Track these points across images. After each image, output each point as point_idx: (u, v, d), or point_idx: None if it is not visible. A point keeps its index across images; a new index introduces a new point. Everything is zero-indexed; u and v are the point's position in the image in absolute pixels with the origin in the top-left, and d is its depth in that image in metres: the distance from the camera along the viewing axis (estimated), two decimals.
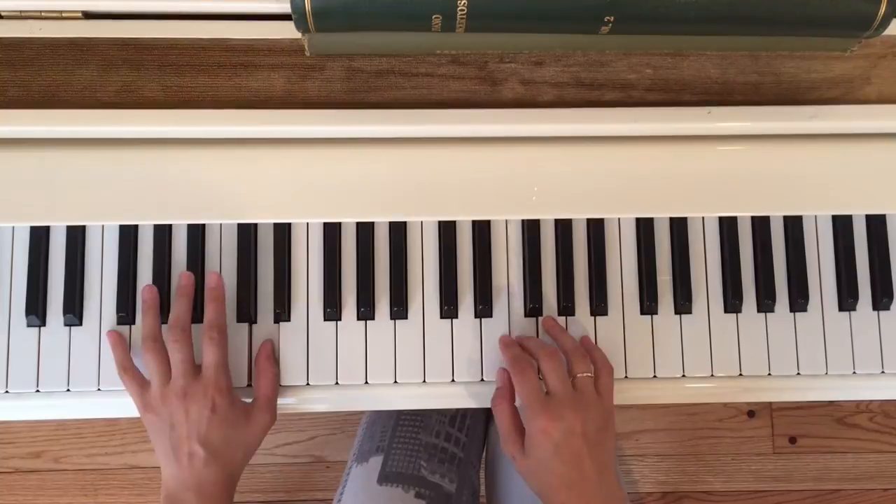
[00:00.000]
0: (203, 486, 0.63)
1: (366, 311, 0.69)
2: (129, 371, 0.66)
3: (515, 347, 0.68)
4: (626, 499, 0.65)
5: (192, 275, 0.68)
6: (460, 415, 0.89)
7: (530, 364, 0.65)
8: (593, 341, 0.70)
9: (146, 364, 0.65)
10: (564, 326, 0.70)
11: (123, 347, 0.67)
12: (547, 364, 0.65)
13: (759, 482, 1.43)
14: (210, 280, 0.68)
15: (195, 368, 0.65)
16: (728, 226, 0.71)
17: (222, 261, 0.70)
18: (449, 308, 0.69)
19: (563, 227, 0.71)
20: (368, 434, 0.86)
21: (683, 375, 0.70)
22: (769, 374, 0.70)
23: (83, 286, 0.69)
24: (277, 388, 0.67)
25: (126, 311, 0.68)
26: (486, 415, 0.95)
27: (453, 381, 0.69)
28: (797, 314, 0.71)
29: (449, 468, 0.83)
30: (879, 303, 0.71)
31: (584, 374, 0.65)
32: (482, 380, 0.69)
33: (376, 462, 0.82)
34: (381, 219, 0.69)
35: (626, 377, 0.70)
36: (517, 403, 0.67)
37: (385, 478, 0.80)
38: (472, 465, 0.87)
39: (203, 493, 0.63)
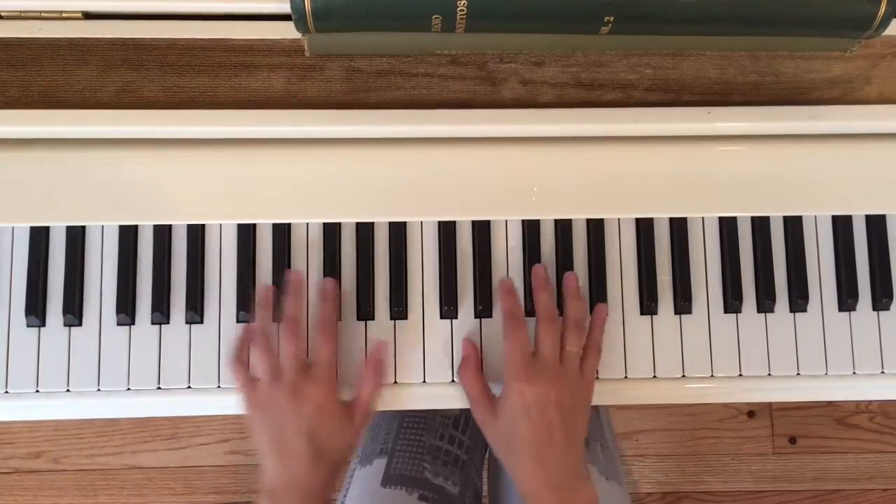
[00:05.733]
0: (305, 486, 0.62)
1: (365, 310, 0.69)
2: (240, 365, 0.65)
3: (515, 300, 0.67)
4: (589, 478, 0.65)
5: (301, 272, 0.67)
6: (464, 416, 0.89)
7: (524, 324, 0.66)
8: (605, 318, 0.69)
9: (256, 360, 0.65)
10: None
11: (243, 342, 0.67)
12: (545, 328, 0.65)
13: (759, 482, 1.43)
14: (326, 283, 0.68)
15: (306, 365, 0.64)
16: (728, 226, 0.71)
17: (222, 261, 0.70)
18: (449, 308, 0.69)
19: (563, 227, 0.71)
20: (372, 436, 0.86)
21: (683, 375, 0.70)
22: (769, 374, 0.70)
23: (83, 286, 0.69)
24: (378, 394, 0.66)
25: (126, 312, 0.68)
26: None
27: (453, 381, 0.69)
28: (797, 314, 0.71)
29: (452, 470, 0.83)
30: (879, 303, 0.71)
31: (573, 349, 0.65)
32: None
33: (380, 464, 0.82)
34: (381, 219, 0.69)
35: (626, 377, 0.70)
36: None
37: (389, 480, 0.80)
38: (475, 466, 0.88)
39: (303, 492, 0.62)
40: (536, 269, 0.69)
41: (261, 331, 0.65)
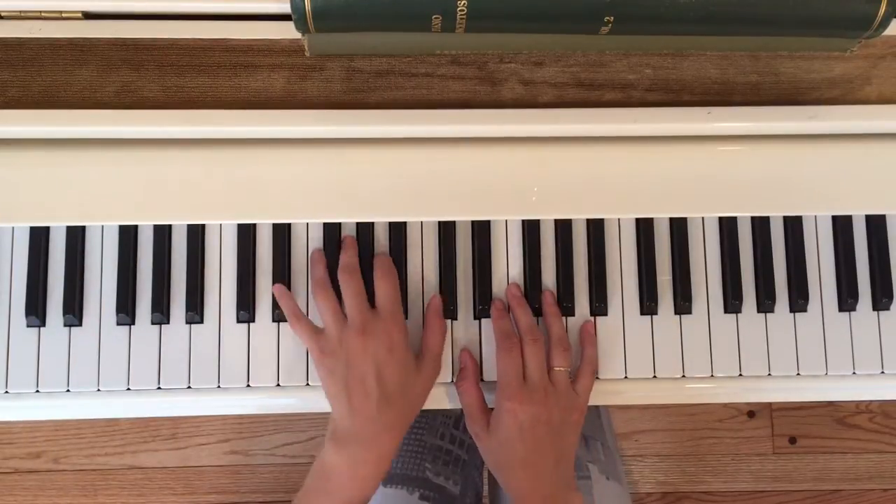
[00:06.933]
0: (371, 437, 0.62)
1: None
2: (301, 319, 0.66)
3: (507, 321, 0.68)
4: (577, 488, 0.66)
5: (352, 237, 0.69)
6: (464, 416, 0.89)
7: (518, 344, 0.67)
8: (592, 332, 0.69)
9: (319, 309, 0.66)
10: (565, 326, 0.70)
11: (291, 297, 0.67)
12: (530, 350, 0.66)
13: (758, 482, 1.43)
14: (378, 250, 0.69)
15: (369, 305, 0.65)
16: (728, 226, 0.71)
17: (222, 261, 0.70)
18: (449, 309, 0.69)
19: (563, 227, 0.71)
20: None
21: (683, 375, 0.70)
22: (769, 374, 0.70)
23: (83, 286, 0.69)
24: (444, 341, 0.68)
25: (126, 312, 0.68)
26: None
27: (453, 381, 0.69)
28: (797, 314, 0.71)
29: (453, 470, 0.83)
30: (879, 303, 0.71)
31: (560, 369, 0.66)
32: (482, 380, 0.69)
33: None
34: (382, 219, 0.69)
35: (625, 377, 0.70)
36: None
37: (390, 479, 0.80)
38: (476, 466, 0.88)
39: (368, 445, 0.62)
40: (511, 289, 0.69)
41: (320, 281, 0.66)
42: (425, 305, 0.69)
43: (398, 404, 0.63)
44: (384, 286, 0.66)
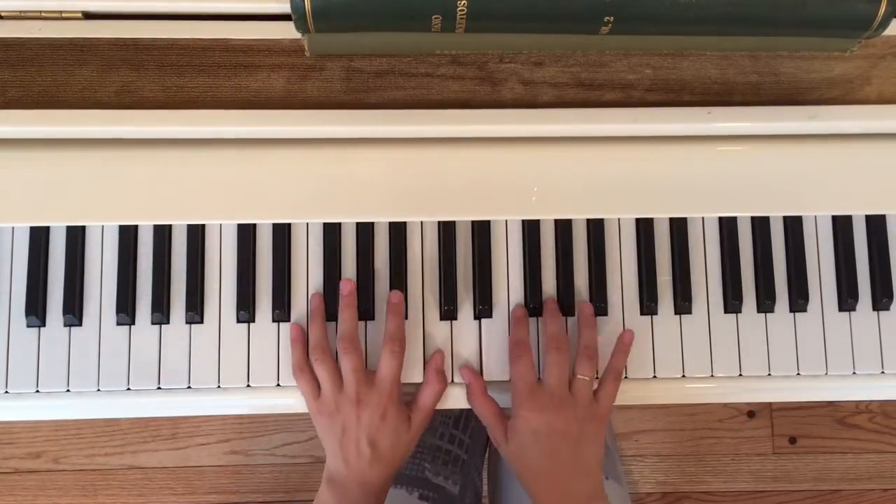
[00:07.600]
0: (365, 481, 0.65)
1: (365, 310, 0.69)
2: (305, 373, 0.66)
3: (522, 330, 0.68)
4: (605, 498, 0.65)
5: (353, 282, 0.68)
6: (464, 416, 0.89)
7: (530, 352, 0.66)
8: (629, 344, 0.69)
9: (317, 371, 0.66)
10: (565, 326, 0.70)
11: (303, 347, 0.68)
12: (553, 357, 0.66)
13: (758, 482, 1.43)
14: (393, 297, 0.68)
15: (367, 376, 0.65)
16: (728, 226, 0.71)
17: (222, 261, 0.70)
18: (449, 309, 0.69)
19: (563, 227, 0.71)
20: None
21: (683, 375, 0.70)
22: (769, 375, 0.70)
23: (83, 286, 0.69)
24: (439, 400, 0.68)
25: (126, 312, 0.68)
26: None
27: (453, 381, 0.69)
28: (797, 314, 0.71)
29: (452, 470, 0.83)
30: (879, 303, 0.71)
31: (583, 378, 0.66)
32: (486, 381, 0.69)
33: None
34: (381, 219, 0.69)
35: (625, 377, 0.70)
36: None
37: None
38: (475, 466, 0.88)
39: (365, 486, 0.65)
40: (549, 301, 0.69)
41: (318, 344, 0.66)
42: (426, 358, 0.69)
43: (389, 459, 0.65)
44: (390, 363, 0.65)
